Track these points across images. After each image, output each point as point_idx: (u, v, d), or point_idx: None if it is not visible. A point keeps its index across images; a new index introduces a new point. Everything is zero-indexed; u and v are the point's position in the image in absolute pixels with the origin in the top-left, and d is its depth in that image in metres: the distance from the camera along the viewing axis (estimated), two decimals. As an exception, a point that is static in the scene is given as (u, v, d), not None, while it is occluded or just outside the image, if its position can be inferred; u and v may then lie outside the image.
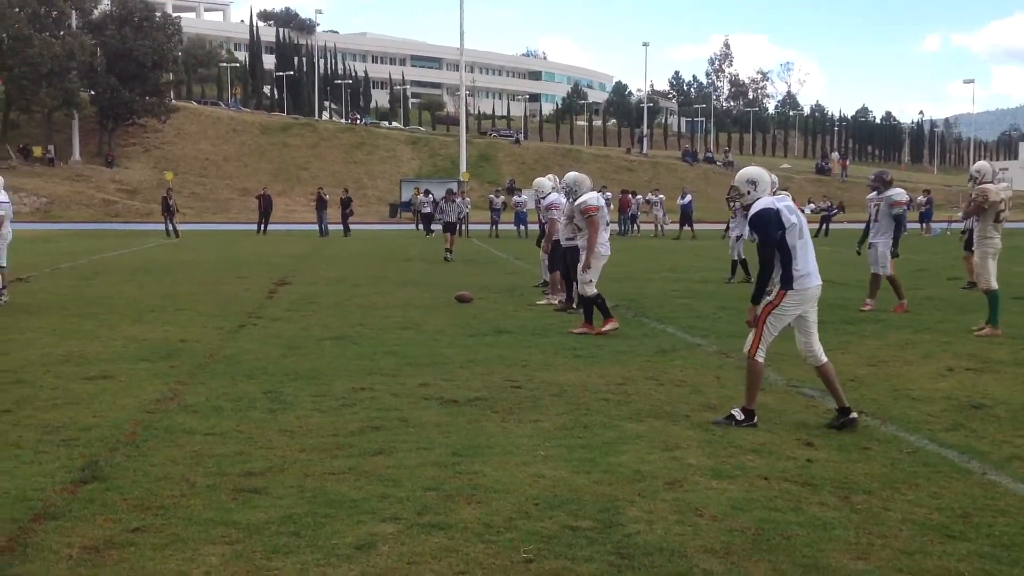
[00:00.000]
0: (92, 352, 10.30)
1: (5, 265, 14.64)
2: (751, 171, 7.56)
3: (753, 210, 7.17)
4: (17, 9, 61.11)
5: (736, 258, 18.67)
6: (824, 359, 7.20)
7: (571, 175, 12.81)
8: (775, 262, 7.04)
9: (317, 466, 6.00)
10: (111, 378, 8.83)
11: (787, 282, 7.02)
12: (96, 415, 7.34)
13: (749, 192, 7.36)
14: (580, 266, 12.06)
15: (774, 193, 7.37)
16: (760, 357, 7.12)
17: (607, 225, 12.29)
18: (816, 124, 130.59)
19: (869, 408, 7.66)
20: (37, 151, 65.07)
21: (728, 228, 20.07)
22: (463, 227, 40.91)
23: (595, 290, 11.92)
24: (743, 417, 7.10)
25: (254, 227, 42.45)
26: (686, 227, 40.87)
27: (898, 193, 14.43)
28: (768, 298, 7.10)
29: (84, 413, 7.41)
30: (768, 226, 7.01)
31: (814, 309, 7.23)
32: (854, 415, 7.04)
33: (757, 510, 5.24)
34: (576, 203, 12.33)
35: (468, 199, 44.35)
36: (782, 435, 6.85)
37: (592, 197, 12.23)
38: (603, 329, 11.66)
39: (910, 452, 6.44)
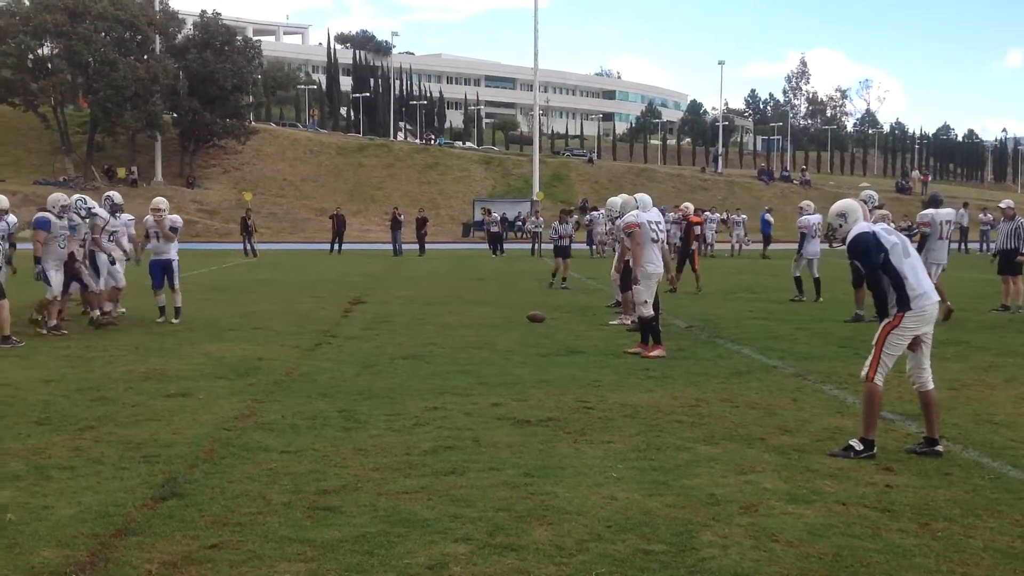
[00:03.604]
0: (173, 369, 10.51)
1: (123, 285, 15.03)
2: (839, 205, 7.39)
3: (849, 238, 7.01)
4: (103, 34, 62.82)
5: (796, 274, 18.99)
6: (931, 386, 6.95)
7: (617, 199, 13.05)
8: (887, 286, 6.84)
9: (390, 485, 6.04)
10: (190, 395, 9.00)
11: (904, 304, 6.78)
12: (176, 432, 7.49)
13: (840, 225, 7.18)
14: (632, 280, 12.05)
15: (872, 211, 7.27)
16: (880, 381, 6.82)
17: (654, 242, 12.10)
18: (896, 142, 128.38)
19: (951, 433, 7.49)
20: (121, 172, 66.60)
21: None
22: (536, 246, 41.00)
23: (651, 311, 11.80)
24: (862, 448, 6.79)
25: (327, 247, 42.96)
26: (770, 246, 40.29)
27: (921, 215, 15.23)
28: (886, 320, 6.86)
29: (164, 430, 7.56)
30: (869, 251, 6.83)
31: (931, 332, 6.97)
32: (939, 448, 6.86)
33: (834, 536, 5.15)
34: (618, 222, 12.44)
35: (542, 219, 44.38)
36: (860, 460, 6.72)
37: (632, 215, 12.20)
38: (650, 354, 11.53)
39: (992, 478, 6.28)
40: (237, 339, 13.10)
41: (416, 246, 41.82)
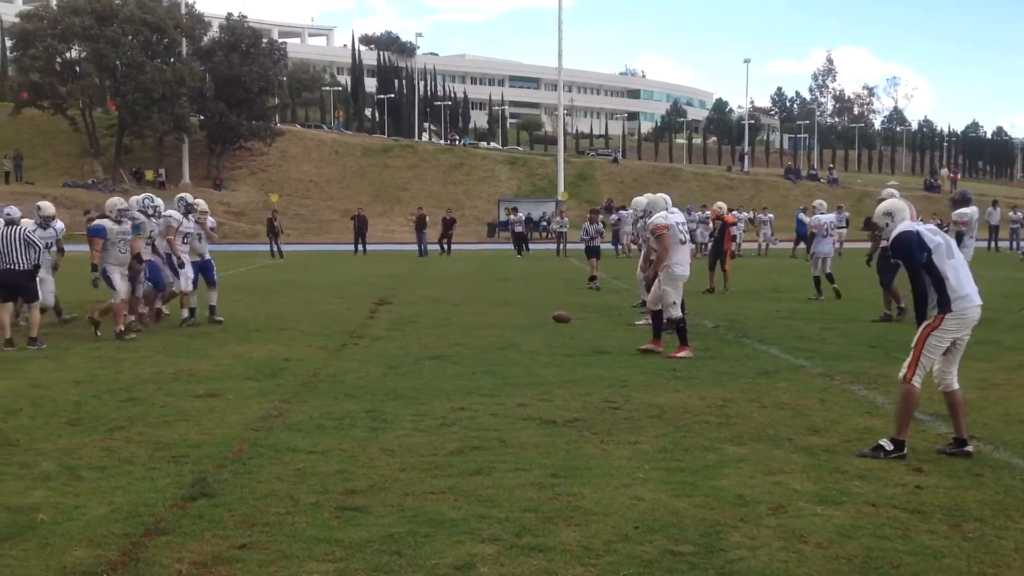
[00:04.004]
0: (201, 370, 10.58)
1: (189, 291, 15.05)
2: (887, 204, 7.36)
3: (891, 237, 6.99)
4: (131, 37, 63.24)
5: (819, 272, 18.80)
6: (956, 387, 6.89)
7: (643, 199, 12.96)
8: (928, 286, 6.79)
9: (417, 485, 6.06)
10: (219, 396, 9.06)
11: (944, 305, 6.73)
12: (205, 432, 7.54)
13: (887, 224, 7.17)
14: (654, 284, 12.00)
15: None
16: (917, 382, 6.75)
17: (682, 243, 12.05)
18: (924, 140, 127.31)
19: (980, 433, 7.43)
20: (149, 175, 67.06)
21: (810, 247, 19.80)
22: (561, 246, 40.95)
23: (680, 313, 11.76)
24: (892, 448, 6.74)
25: (351, 248, 43.08)
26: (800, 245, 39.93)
27: (959, 213, 15.02)
28: (928, 321, 6.81)
29: (193, 430, 7.61)
30: (911, 249, 6.78)
31: (968, 335, 6.92)
32: (969, 448, 6.80)
33: (864, 537, 5.12)
34: (647, 223, 12.34)
35: (566, 219, 44.33)
36: (890, 460, 6.67)
37: (661, 216, 12.10)
38: (677, 355, 11.46)
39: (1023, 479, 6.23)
40: (264, 340, 13.17)
41: (438, 247, 41.87)
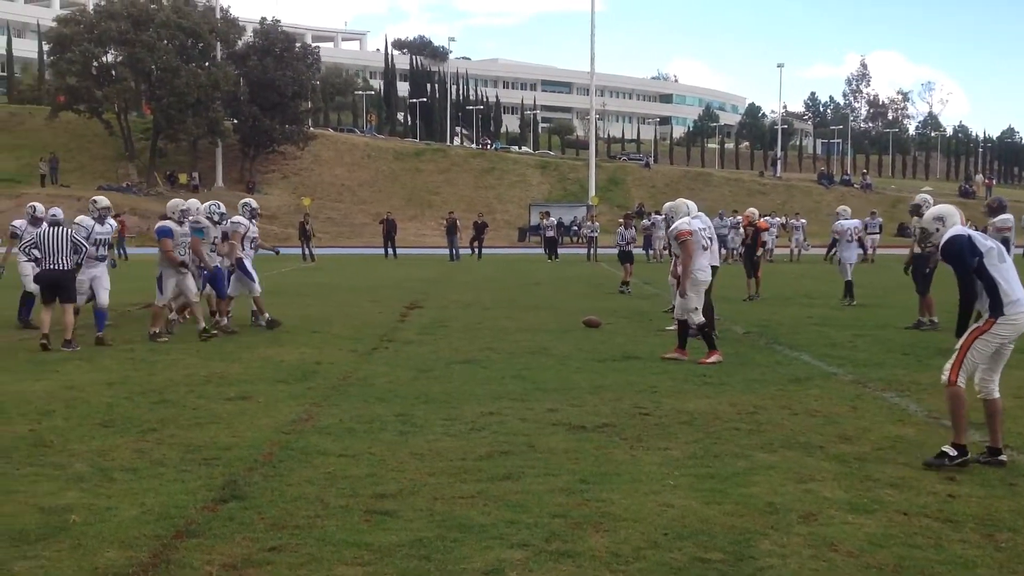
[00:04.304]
0: (233, 373, 10.65)
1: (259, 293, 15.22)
2: (937, 208, 7.29)
3: (942, 241, 6.92)
4: (166, 42, 63.84)
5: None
6: (997, 395, 6.83)
7: (668, 204, 12.89)
8: (978, 291, 6.72)
9: (446, 490, 6.06)
10: (250, 399, 9.11)
11: (996, 309, 6.65)
12: (235, 435, 7.58)
13: (938, 230, 7.08)
14: (678, 293, 11.94)
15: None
16: (962, 382, 6.67)
17: (704, 249, 11.99)
18: (959, 145, 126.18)
19: (1015, 442, 7.34)
20: (183, 178, 67.62)
21: (832, 251, 19.79)
22: (592, 251, 40.91)
23: (701, 318, 11.69)
24: (956, 453, 6.63)
25: (382, 251, 43.22)
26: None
27: (1003, 219, 14.65)
28: (977, 324, 6.74)
29: (224, 433, 7.66)
30: (963, 254, 6.71)
31: (1013, 343, 6.84)
32: (1003, 458, 6.73)
33: (895, 547, 5.08)
34: (670, 229, 12.25)
35: (597, 223, 44.29)
36: (922, 469, 6.61)
37: (684, 222, 12.00)
38: (707, 361, 11.42)
39: (1060, 490, 6.15)
40: (295, 343, 13.24)
41: (469, 250, 41.93)
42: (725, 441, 7.43)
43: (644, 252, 40.09)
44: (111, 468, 6.58)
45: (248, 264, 14.83)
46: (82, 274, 13.09)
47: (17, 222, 15.90)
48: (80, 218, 13.66)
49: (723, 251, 29.59)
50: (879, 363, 11.47)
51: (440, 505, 5.75)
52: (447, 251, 41.21)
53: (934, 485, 6.23)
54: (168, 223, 13.66)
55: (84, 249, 12.90)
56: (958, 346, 6.75)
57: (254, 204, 15.62)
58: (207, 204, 14.74)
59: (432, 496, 5.93)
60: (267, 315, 14.89)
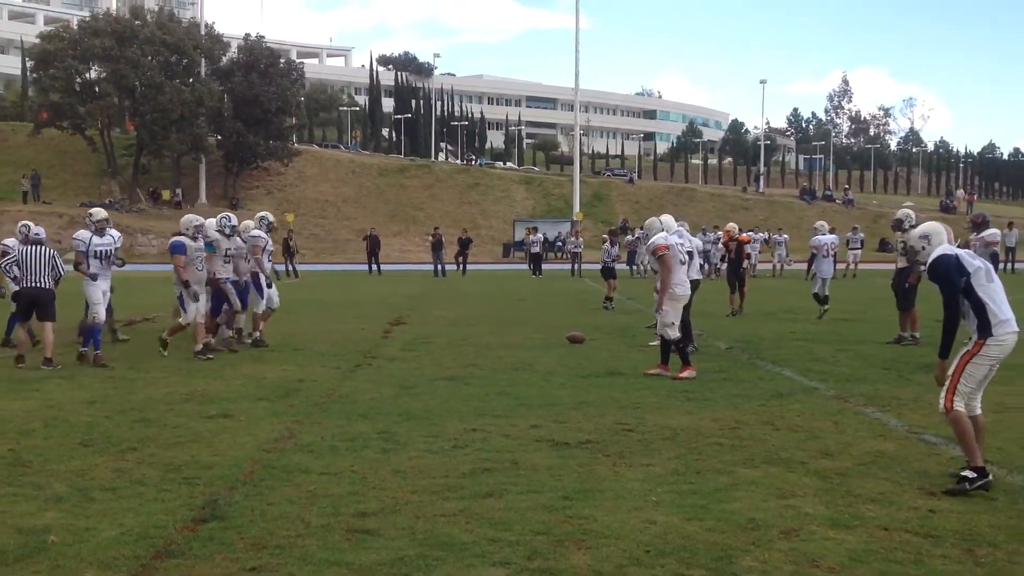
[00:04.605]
0: (214, 391, 10.60)
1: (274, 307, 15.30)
2: (924, 227, 7.21)
3: (930, 260, 6.82)
4: (150, 58, 63.71)
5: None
6: (979, 411, 6.76)
7: (648, 220, 13.04)
8: (965, 311, 6.63)
9: (428, 508, 6.05)
10: (231, 417, 9.08)
11: (985, 331, 6.58)
12: (216, 454, 7.55)
13: (924, 248, 6.99)
14: (655, 308, 11.99)
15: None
16: (960, 407, 6.55)
17: (682, 264, 12.04)
18: (940, 161, 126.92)
19: (995, 457, 7.36)
20: (166, 194, 67.39)
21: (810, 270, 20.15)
22: (576, 266, 40.96)
23: (677, 333, 11.74)
24: (975, 476, 6.45)
25: (366, 267, 43.15)
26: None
27: (991, 234, 14.79)
28: (966, 347, 6.64)
29: (205, 452, 7.62)
30: (949, 274, 6.62)
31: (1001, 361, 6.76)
32: (989, 476, 6.59)
33: (876, 562, 5.09)
34: (647, 245, 12.35)
35: (582, 239, 44.35)
36: (903, 484, 6.64)
37: (661, 237, 12.06)
38: (680, 375, 11.44)
39: (1040, 504, 6.17)
40: (278, 360, 13.20)
41: (454, 266, 41.94)
42: (707, 457, 7.44)
43: (628, 268, 40.17)
44: (90, 488, 6.53)
45: (263, 280, 14.88)
46: (97, 286, 12.95)
47: (8, 241, 15.79)
48: (78, 233, 13.47)
49: (706, 266, 29.69)
50: (861, 378, 11.50)
51: (422, 523, 5.73)
52: (431, 267, 41.20)
53: (915, 500, 6.25)
54: (181, 239, 13.54)
55: (62, 274, 12.90)
56: (950, 372, 6.65)
57: (271, 218, 15.65)
58: (218, 216, 14.73)
59: (414, 514, 5.91)
60: (257, 334, 14.85)
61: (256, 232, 14.94)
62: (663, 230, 12.32)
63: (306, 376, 11.71)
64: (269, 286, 14.98)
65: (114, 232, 13.59)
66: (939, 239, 6.96)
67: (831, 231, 37.64)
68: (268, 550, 5.26)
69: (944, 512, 5.98)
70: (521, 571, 4.93)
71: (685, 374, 11.44)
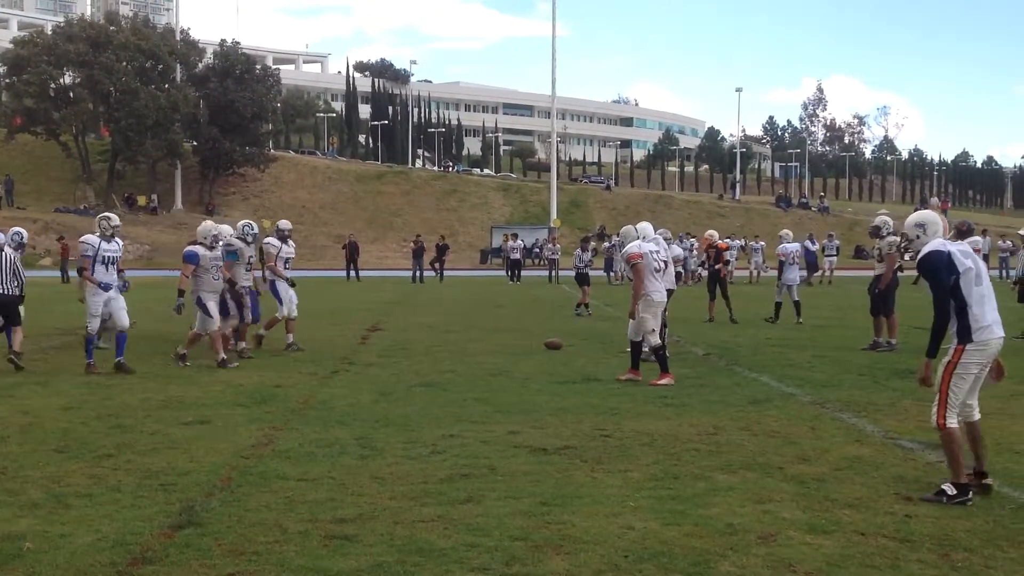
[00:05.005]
0: (191, 397, 10.54)
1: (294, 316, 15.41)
2: (918, 215, 6.95)
3: (921, 254, 6.60)
4: (125, 63, 63.40)
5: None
6: (978, 417, 6.62)
7: (624, 228, 13.19)
8: (950, 312, 6.42)
9: (406, 514, 6.03)
10: (208, 423, 9.03)
11: (964, 335, 6.36)
12: (193, 460, 7.51)
13: (918, 236, 6.71)
14: (628, 313, 12.06)
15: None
16: (952, 423, 6.38)
17: (657, 271, 12.06)
18: (915, 169, 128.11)
19: (968, 461, 7.42)
20: (141, 200, 67.11)
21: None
22: (554, 273, 40.98)
23: (657, 340, 11.79)
24: (955, 492, 6.30)
25: (343, 274, 43.00)
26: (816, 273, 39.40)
27: (973, 241, 14.94)
28: (945, 358, 6.43)
29: (182, 458, 7.58)
30: (938, 271, 6.42)
31: (989, 364, 6.57)
32: (989, 481, 6.57)
33: (853, 567, 5.12)
34: (621, 253, 12.47)
35: (559, 245, 44.39)
36: (879, 489, 6.67)
37: (635, 245, 12.11)
38: (657, 383, 11.46)
39: (1013, 508, 6.23)
40: (255, 366, 13.14)
41: (432, 272, 41.91)
42: (685, 462, 7.46)
43: (605, 274, 40.25)
44: (66, 494, 6.48)
45: (282, 288, 14.96)
46: (100, 295, 12.60)
47: None
48: (86, 237, 13.07)
49: (683, 273, 29.81)
50: (837, 384, 11.57)
51: (400, 529, 5.72)
52: (410, 273, 41.13)
53: (891, 505, 6.29)
54: (196, 248, 13.37)
55: (22, 280, 12.97)
56: (936, 388, 6.48)
57: (283, 225, 15.81)
58: (240, 224, 14.69)
59: (392, 520, 5.90)
60: (291, 337, 15.09)
61: (268, 239, 15.03)
62: (639, 238, 12.38)
63: (283, 382, 11.66)
64: (293, 285, 15.29)
65: (119, 240, 13.36)
66: (935, 229, 6.72)
67: (809, 239, 38.12)
68: (245, 556, 5.24)
69: (920, 517, 6.02)
70: (500, 577, 4.92)
71: (663, 381, 11.46)
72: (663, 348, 11.87)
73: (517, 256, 42.37)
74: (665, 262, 12.57)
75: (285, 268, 15.19)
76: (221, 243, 13.65)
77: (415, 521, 5.87)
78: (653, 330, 11.76)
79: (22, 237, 15.22)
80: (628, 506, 6.22)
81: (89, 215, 60.40)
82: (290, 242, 15.69)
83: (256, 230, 14.73)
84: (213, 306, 13.27)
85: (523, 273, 42.74)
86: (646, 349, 12.13)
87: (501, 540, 5.50)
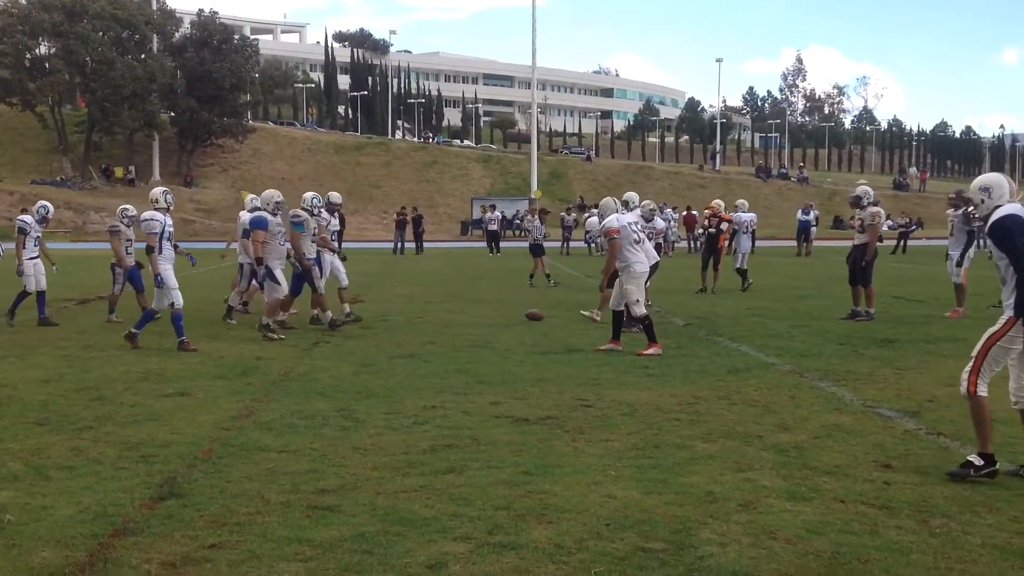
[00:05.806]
0: (171, 369, 10.51)
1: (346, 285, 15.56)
2: (984, 178, 6.52)
3: (993, 218, 6.17)
4: (101, 33, 62.66)
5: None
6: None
7: (603, 200, 13.37)
8: (1007, 279, 6.08)
9: (389, 484, 6.04)
10: (189, 395, 9.01)
11: (1021, 308, 5.97)
12: (174, 432, 7.49)
13: (983, 201, 6.31)
14: (599, 286, 12.19)
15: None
16: (983, 391, 6.14)
17: (637, 243, 12.07)
18: (893, 139, 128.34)
19: (948, 429, 7.51)
20: (119, 172, 66.54)
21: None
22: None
23: (643, 310, 11.84)
24: (983, 463, 6.11)
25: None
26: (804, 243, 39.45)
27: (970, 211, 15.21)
28: (993, 328, 6.16)
29: (163, 430, 7.56)
30: (1013, 235, 5.99)
31: None
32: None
33: (833, 533, 5.16)
34: (600, 226, 12.59)
35: (545, 226, 44.28)
36: (858, 457, 6.73)
37: (613, 219, 12.17)
38: (646, 352, 11.51)
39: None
40: (235, 338, 13.10)
41: (412, 244, 41.83)
42: (666, 432, 7.50)
43: (587, 245, 40.25)
44: (47, 467, 6.46)
45: (325, 260, 14.92)
46: (171, 269, 12.25)
47: None
48: (149, 213, 12.33)
49: (662, 244, 29.85)
50: (816, 353, 11.64)
51: (383, 499, 5.73)
52: (392, 244, 41.02)
53: (870, 473, 6.34)
54: (263, 214, 13.34)
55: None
56: (974, 353, 6.23)
57: (334, 198, 15.77)
58: (310, 195, 14.44)
59: (374, 490, 5.91)
60: (347, 306, 15.18)
61: (295, 211, 14.62)
62: (617, 210, 12.46)
63: (264, 354, 11.64)
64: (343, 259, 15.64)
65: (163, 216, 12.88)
66: (1000, 192, 6.29)
67: (803, 210, 39.05)
68: (228, 527, 5.24)
69: (899, 484, 6.08)
70: (482, 546, 4.94)
71: (651, 351, 11.50)
72: (649, 318, 11.91)
73: (495, 228, 42.25)
74: (645, 233, 12.62)
75: (312, 242, 14.83)
76: (290, 213, 13.65)
77: (397, 491, 5.88)
78: (638, 300, 11.79)
79: (47, 211, 15.51)
80: (609, 475, 6.25)
81: (67, 187, 60.07)
82: (336, 215, 15.92)
83: (322, 203, 14.58)
84: (280, 273, 13.27)
85: (503, 245, 42.70)
86: (626, 320, 12.17)
87: (484, 509, 5.52)
